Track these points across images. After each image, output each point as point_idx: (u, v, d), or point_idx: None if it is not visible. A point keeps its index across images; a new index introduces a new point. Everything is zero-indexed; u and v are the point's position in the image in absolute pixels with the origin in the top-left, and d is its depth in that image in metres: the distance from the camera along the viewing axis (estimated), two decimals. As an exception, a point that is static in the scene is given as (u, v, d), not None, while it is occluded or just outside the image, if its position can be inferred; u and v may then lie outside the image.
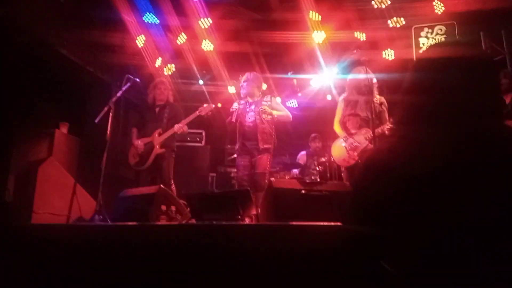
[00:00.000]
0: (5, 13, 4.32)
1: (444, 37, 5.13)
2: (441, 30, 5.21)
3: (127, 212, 3.81)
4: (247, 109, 4.63)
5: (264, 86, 6.35)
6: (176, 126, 4.72)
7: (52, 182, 4.61)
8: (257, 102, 4.65)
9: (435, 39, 5.21)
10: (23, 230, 3.49)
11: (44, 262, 3.14)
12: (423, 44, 5.28)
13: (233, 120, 4.60)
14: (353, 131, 4.51)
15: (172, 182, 4.71)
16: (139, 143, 4.72)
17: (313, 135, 6.32)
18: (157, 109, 4.90)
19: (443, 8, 5.05)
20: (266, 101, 4.65)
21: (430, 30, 5.26)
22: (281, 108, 4.78)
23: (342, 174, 4.67)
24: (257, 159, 4.50)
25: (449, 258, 0.92)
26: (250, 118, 4.58)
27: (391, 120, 4.30)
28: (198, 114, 4.80)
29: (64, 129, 5.27)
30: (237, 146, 4.63)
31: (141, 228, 3.26)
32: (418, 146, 1.03)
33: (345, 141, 4.49)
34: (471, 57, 1.10)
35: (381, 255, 1.11)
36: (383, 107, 4.45)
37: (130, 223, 3.37)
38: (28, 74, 4.73)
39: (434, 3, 5.06)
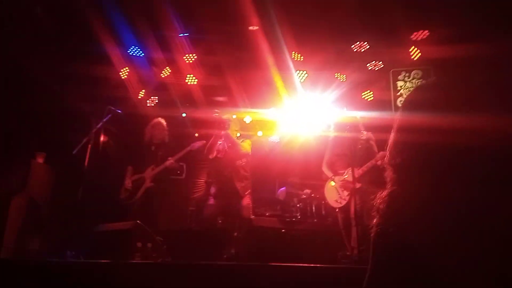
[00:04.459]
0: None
1: (421, 81, 5.35)
2: (417, 74, 5.45)
3: (102, 248, 3.69)
4: None
5: (248, 120, 6.47)
6: (168, 162, 4.78)
7: (24, 215, 4.45)
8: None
9: (412, 82, 5.43)
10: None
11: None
12: (401, 86, 5.50)
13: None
14: (341, 171, 4.52)
15: None
16: (128, 181, 4.75)
17: (292, 171, 6.33)
18: (153, 148, 4.94)
19: (419, 54, 5.29)
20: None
21: (407, 74, 5.48)
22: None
23: (337, 216, 4.52)
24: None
25: None
26: None
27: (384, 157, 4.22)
28: (190, 149, 4.85)
29: (40, 158, 5.14)
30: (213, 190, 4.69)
31: (114, 266, 3.16)
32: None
33: (334, 181, 4.50)
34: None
35: None
36: (370, 142, 4.45)
37: (103, 261, 3.25)
38: (6, 103, 4.67)
39: (410, 49, 5.30)
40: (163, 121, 5.12)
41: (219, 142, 4.72)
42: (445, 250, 0.91)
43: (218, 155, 4.70)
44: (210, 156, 4.71)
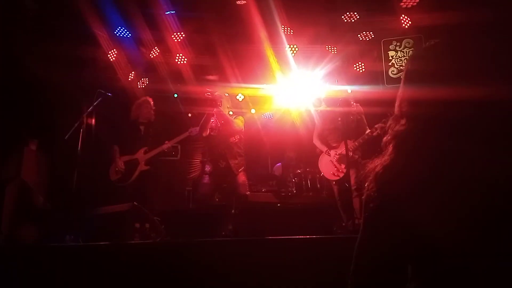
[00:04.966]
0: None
1: (412, 50, 5.31)
2: (409, 43, 5.40)
3: (100, 231, 3.71)
4: None
5: (240, 98, 6.44)
6: (165, 145, 4.78)
7: (19, 203, 4.45)
8: None
9: (403, 52, 5.39)
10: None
11: (12, 285, 3.02)
12: (392, 56, 5.45)
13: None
14: (334, 144, 4.56)
15: None
16: (121, 162, 4.69)
17: (286, 146, 6.35)
18: (141, 127, 4.90)
19: (410, 22, 5.22)
20: None
21: (398, 44, 5.43)
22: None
23: (333, 188, 4.58)
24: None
25: None
26: None
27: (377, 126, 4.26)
28: (188, 134, 4.85)
29: (33, 146, 5.11)
30: (208, 168, 4.68)
31: (113, 248, 3.19)
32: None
33: (329, 154, 4.53)
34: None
35: None
36: (361, 115, 4.49)
37: (102, 243, 3.28)
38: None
39: (401, 17, 5.23)
40: (150, 99, 5.08)
41: (212, 120, 4.71)
42: (433, 217, 0.92)
43: (212, 133, 4.69)
44: (204, 134, 4.70)
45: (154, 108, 5.04)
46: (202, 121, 4.71)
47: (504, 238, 0.87)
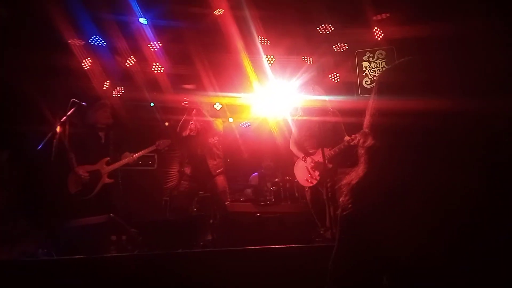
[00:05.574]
0: None
1: (384, 61, 5.48)
2: (381, 54, 5.58)
3: (75, 244, 3.62)
4: None
5: (218, 107, 6.45)
6: (129, 158, 4.68)
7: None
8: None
9: (376, 63, 5.56)
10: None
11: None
12: (365, 67, 5.62)
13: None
14: (311, 150, 4.61)
15: None
16: (84, 172, 4.51)
17: (264, 155, 6.37)
18: (101, 134, 4.77)
19: (382, 34, 5.41)
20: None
21: (371, 55, 5.61)
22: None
23: (306, 194, 4.61)
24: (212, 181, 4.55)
25: None
26: None
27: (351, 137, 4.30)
28: (155, 148, 4.80)
29: (4, 156, 4.95)
30: (188, 171, 4.66)
31: (89, 261, 3.12)
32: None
33: (305, 161, 4.57)
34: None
35: None
36: (339, 122, 4.53)
37: (77, 257, 3.20)
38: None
39: (374, 30, 5.40)
40: (107, 102, 4.99)
41: (191, 122, 4.70)
42: (402, 231, 0.94)
43: (191, 133, 4.69)
44: (183, 134, 4.69)
45: (112, 111, 4.92)
46: (181, 121, 4.69)
47: (469, 251, 0.89)
